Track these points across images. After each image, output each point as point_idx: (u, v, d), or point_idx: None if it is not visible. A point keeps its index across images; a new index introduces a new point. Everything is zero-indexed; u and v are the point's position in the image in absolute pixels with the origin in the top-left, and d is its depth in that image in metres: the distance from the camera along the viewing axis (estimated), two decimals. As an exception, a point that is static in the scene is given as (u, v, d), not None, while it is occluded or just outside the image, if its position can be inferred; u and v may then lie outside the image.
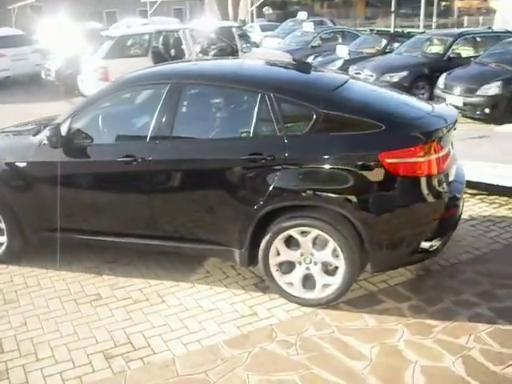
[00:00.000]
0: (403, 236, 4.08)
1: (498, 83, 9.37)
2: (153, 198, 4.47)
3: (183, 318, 4.19)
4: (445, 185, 4.12)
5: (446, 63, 11.29)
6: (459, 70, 10.38)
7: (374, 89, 4.90)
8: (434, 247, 4.16)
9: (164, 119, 4.42)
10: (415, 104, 4.57)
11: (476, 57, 11.06)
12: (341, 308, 4.25)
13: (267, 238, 4.20)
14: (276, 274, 4.31)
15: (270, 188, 4.10)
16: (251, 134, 4.24)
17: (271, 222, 4.23)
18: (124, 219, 4.67)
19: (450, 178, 4.23)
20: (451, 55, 11.57)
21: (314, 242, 4.17)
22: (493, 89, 9.36)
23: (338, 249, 4.08)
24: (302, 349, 3.79)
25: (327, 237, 4.08)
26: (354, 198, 3.99)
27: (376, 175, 3.97)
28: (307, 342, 3.86)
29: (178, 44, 12.38)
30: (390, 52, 13.43)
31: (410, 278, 4.64)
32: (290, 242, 4.25)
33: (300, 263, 4.24)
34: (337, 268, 4.18)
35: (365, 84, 5.07)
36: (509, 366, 3.56)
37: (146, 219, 4.53)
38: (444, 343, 3.81)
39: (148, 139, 4.44)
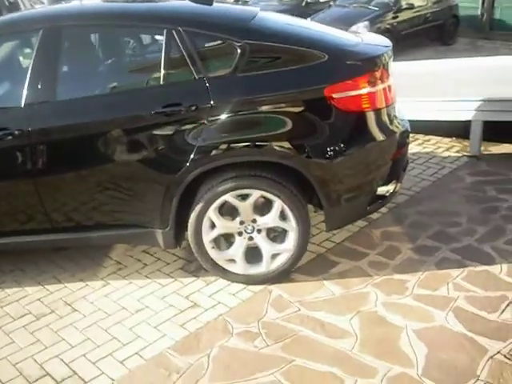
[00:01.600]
0: (361, 183, 3.46)
1: (366, 23, 9.19)
2: (40, 181, 3.37)
3: (107, 328, 3.22)
4: (395, 119, 3.57)
5: (304, 9, 10.94)
6: (323, 13, 10.07)
7: (292, 19, 4.17)
8: (391, 191, 3.62)
9: (41, 76, 3.31)
10: (344, 34, 3.92)
11: (334, 0, 10.84)
12: (295, 279, 3.57)
13: (197, 209, 3.36)
14: (213, 252, 3.50)
15: (195, 146, 3.24)
16: (162, 81, 3.31)
17: (201, 189, 3.39)
18: (4, 213, 3.52)
19: (396, 112, 3.68)
20: (309, 0, 11.23)
21: (256, 205, 3.41)
22: (361, 28, 9.14)
23: (287, 209, 3.36)
24: (271, 338, 3.06)
25: (272, 197, 3.34)
26: (300, 146, 3.27)
27: (323, 115, 3.28)
28: (274, 329, 3.13)
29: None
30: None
31: (355, 232, 4.08)
32: (226, 210, 3.45)
33: (240, 234, 3.46)
34: (286, 232, 3.47)
35: (277, 14, 4.32)
36: (503, 311, 3.15)
37: (35, 209, 3.43)
38: (425, 298, 3.30)
39: (23, 105, 3.32)
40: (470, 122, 5.31)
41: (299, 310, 3.28)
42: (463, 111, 5.26)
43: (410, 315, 3.16)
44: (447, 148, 5.65)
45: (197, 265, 3.72)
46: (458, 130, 5.71)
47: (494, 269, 3.56)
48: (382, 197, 3.59)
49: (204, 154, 3.26)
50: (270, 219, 3.40)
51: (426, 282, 3.46)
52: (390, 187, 3.60)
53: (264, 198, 3.39)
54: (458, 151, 5.56)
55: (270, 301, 3.38)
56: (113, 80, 3.53)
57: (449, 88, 5.70)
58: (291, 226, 3.41)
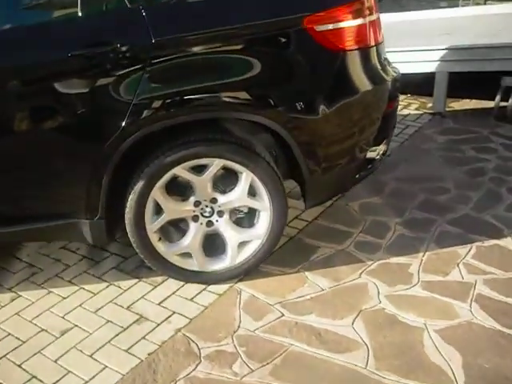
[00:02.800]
0: (350, 144, 2.70)
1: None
2: None
3: (22, 362, 2.28)
4: (386, 63, 2.82)
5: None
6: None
7: None
8: (381, 153, 2.89)
9: None
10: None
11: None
12: (268, 273, 2.77)
13: (137, 189, 2.45)
14: (160, 246, 2.62)
15: (131, 104, 2.32)
16: (80, 12, 2.34)
17: (140, 161, 2.48)
18: None
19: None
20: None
21: (216, 179, 2.57)
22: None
23: (258, 182, 2.54)
24: (255, 359, 2.25)
25: (238, 167, 2.50)
26: (274, 96, 2.44)
27: (302, 55, 2.46)
28: (255, 345, 2.32)
29: None
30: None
31: (328, 206, 3.33)
32: (176, 189, 2.58)
33: (196, 219, 2.61)
34: (256, 213, 2.66)
35: None
36: (536, 296, 2.53)
37: None
38: (438, 287, 2.62)
39: None
40: (426, 76, 4.72)
41: (282, 315, 2.49)
42: (425, 62, 4.63)
43: (426, 311, 2.46)
44: (405, 106, 5.02)
45: (137, 261, 2.83)
46: (413, 86, 5.09)
47: (506, 242, 2.94)
48: (372, 161, 2.85)
49: (143, 114, 2.34)
50: (236, 197, 2.57)
51: (432, 265, 2.78)
52: (381, 148, 2.87)
53: (226, 169, 2.55)
54: (417, 108, 4.94)
55: (241, 305, 2.56)
56: (6, 11, 2.49)
57: (406, 39, 5.06)
58: (263, 204, 2.60)
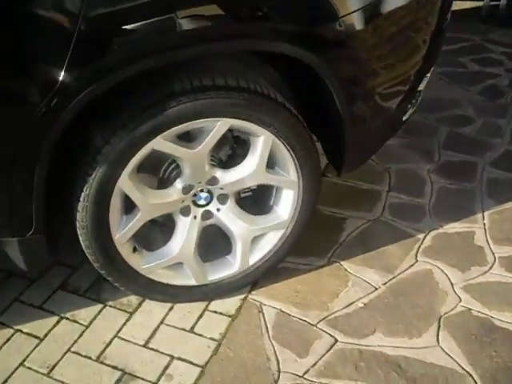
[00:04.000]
0: (404, 73, 1.82)
1: None
2: None
3: None
4: None
5: None
6: None
7: None
8: (410, 112, 2.06)
9: None
10: None
11: None
12: (290, 270, 1.93)
13: (94, 182, 1.46)
14: (136, 260, 1.68)
15: (77, 25, 1.28)
16: None
17: (94, 136, 1.49)
18: None
19: None
20: None
21: (217, 150, 1.65)
22: None
23: (283, 148, 1.64)
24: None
25: (255, 128, 1.57)
26: (304, 12, 1.50)
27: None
28: (319, 404, 1.54)
29: None
30: None
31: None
32: (148, 170, 1.63)
33: (186, 211, 1.68)
34: (273, 193, 1.78)
35: None
36: None
37: None
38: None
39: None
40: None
41: (335, 340, 1.69)
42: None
43: (531, 310, 1.78)
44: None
45: (95, 272, 1.88)
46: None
47: None
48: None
49: (101, 47, 1.33)
50: (248, 173, 1.66)
51: (501, 231, 2.07)
52: (421, 87, 2.03)
53: (232, 133, 1.63)
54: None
55: (270, 332, 1.72)
56: None
57: None
58: (288, 179, 1.72)
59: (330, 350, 1.67)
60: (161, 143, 1.50)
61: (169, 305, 1.82)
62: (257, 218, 1.78)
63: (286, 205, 1.77)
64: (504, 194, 2.26)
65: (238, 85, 1.52)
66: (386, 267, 1.94)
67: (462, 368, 1.61)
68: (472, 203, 2.22)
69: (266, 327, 1.74)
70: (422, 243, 2.04)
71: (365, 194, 2.26)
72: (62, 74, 1.29)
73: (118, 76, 1.34)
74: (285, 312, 1.79)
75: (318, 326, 1.75)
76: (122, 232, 1.60)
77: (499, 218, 2.13)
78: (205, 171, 1.62)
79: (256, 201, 1.81)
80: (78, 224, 1.56)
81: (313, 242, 2.00)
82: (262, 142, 1.60)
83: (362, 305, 1.81)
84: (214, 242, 1.82)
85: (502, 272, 1.91)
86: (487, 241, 2.03)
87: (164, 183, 1.66)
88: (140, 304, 1.83)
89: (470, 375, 1.59)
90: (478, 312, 1.77)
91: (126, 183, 1.52)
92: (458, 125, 2.70)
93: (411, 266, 1.95)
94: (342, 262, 1.96)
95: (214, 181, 1.66)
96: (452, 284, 1.87)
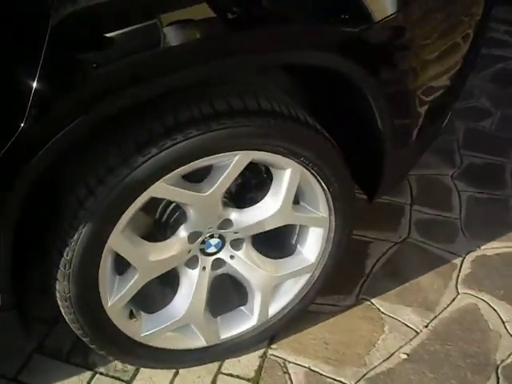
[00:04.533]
0: (443, 100, 1.51)
1: None
2: None
3: None
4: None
5: None
6: None
7: None
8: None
9: None
10: None
11: None
12: (313, 313, 1.62)
13: (79, 244, 1.11)
14: (133, 327, 1.34)
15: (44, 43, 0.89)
16: None
17: (75, 183, 1.12)
18: None
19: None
20: None
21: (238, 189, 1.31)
22: None
23: (314, 182, 1.31)
24: None
25: (281, 159, 1.23)
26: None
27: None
28: None
29: None
30: None
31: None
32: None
33: (193, 263, 1.35)
34: (297, 231, 1.46)
35: None
36: None
37: None
38: None
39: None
40: None
41: (385, 408, 1.41)
42: None
43: None
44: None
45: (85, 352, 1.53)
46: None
47: None
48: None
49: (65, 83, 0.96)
50: (270, 213, 1.32)
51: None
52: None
53: (254, 167, 1.29)
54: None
55: (301, 399, 1.43)
56: None
57: None
58: (317, 215, 1.39)
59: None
60: (162, 189, 1.15)
61: (172, 370, 1.49)
62: (278, 262, 1.45)
63: (313, 245, 1.45)
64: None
65: (260, 107, 1.17)
66: (425, 304, 1.65)
67: None
68: (507, 215, 1.95)
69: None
70: (460, 270, 1.76)
71: (386, 210, 1.96)
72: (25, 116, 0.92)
73: (100, 112, 0.99)
74: (315, 371, 1.49)
75: (375, 395, 1.45)
76: (116, 298, 1.25)
77: None
78: (217, 216, 1.29)
79: (272, 239, 1.49)
80: (58, 295, 1.21)
81: (335, 275, 1.69)
82: (289, 175, 1.27)
83: (405, 356, 1.52)
84: (224, 291, 1.50)
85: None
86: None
87: (163, 228, 1.32)
88: (138, 369, 1.50)
89: None
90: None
91: (118, 242, 1.17)
92: (475, 119, 2.41)
93: (453, 300, 1.66)
94: (372, 300, 1.67)
95: (226, 224, 1.32)
96: (503, 322, 1.60)
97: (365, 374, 1.48)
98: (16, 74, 0.92)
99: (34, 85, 0.90)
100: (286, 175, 1.27)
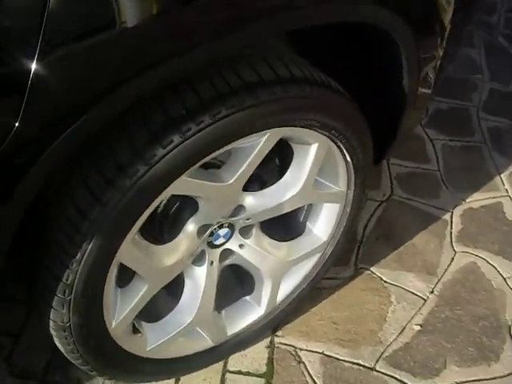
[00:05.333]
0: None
1: None
2: None
3: None
4: None
5: None
6: None
7: None
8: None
9: None
10: None
11: None
12: (325, 290, 1.48)
13: (86, 263, 0.87)
14: (136, 346, 1.12)
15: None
16: None
17: (74, 190, 0.86)
18: None
19: None
20: None
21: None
22: None
23: (339, 157, 1.13)
24: None
25: (310, 134, 1.04)
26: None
27: None
28: None
29: None
30: None
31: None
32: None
33: (199, 258, 1.14)
34: (306, 209, 1.28)
35: None
36: None
37: None
38: None
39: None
40: None
41: (413, 389, 1.32)
42: None
43: None
44: None
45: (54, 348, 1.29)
46: None
47: None
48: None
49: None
50: (294, 192, 1.13)
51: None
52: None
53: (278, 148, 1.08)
54: None
55: (322, 390, 1.30)
56: None
57: None
58: (336, 191, 1.22)
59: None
60: (184, 185, 0.92)
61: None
62: (289, 245, 1.27)
63: (326, 222, 1.28)
64: (511, 146, 1.96)
65: (292, 75, 0.96)
66: (425, 267, 1.57)
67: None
68: (484, 163, 1.89)
69: (316, 384, 1.31)
70: (451, 227, 1.68)
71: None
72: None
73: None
74: (330, 356, 1.37)
75: (378, 368, 1.35)
76: (121, 317, 1.03)
77: None
78: (233, 204, 1.08)
79: (277, 219, 1.30)
80: (53, 325, 0.96)
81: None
82: (316, 151, 1.08)
83: (419, 327, 1.44)
84: (224, 281, 1.30)
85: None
86: None
87: (167, 225, 1.09)
88: None
89: None
90: None
91: (127, 253, 0.94)
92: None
93: (452, 260, 1.59)
94: (372, 269, 1.55)
95: (239, 211, 1.12)
96: (505, 279, 1.56)
97: (382, 353, 1.38)
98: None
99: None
100: (312, 151, 1.08)
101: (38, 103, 0.68)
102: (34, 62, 0.65)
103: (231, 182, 0.99)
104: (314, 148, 1.08)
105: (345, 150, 1.13)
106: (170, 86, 0.84)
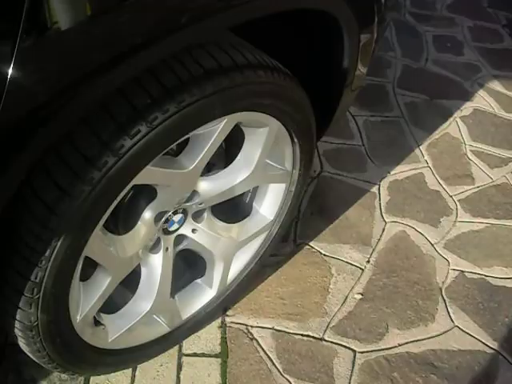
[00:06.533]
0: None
1: None
2: None
3: None
4: None
5: None
6: None
7: None
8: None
9: None
10: None
11: None
12: (268, 267, 1.51)
13: (55, 258, 0.85)
14: (99, 338, 1.10)
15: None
16: None
17: (40, 183, 0.83)
18: None
19: None
20: None
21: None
22: None
23: (286, 136, 1.16)
24: None
25: (263, 117, 1.06)
26: None
27: None
28: None
29: None
30: None
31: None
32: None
33: (155, 245, 1.14)
34: (255, 191, 1.31)
35: None
36: None
37: None
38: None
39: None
40: None
41: (355, 353, 1.40)
42: None
43: None
44: None
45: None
46: None
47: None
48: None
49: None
50: (246, 174, 1.15)
51: (448, 168, 1.92)
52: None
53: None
54: None
55: (279, 366, 1.35)
56: None
57: None
58: (283, 171, 1.25)
59: (353, 366, 1.37)
60: (148, 174, 0.92)
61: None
62: (238, 226, 1.30)
63: (271, 202, 1.32)
64: (427, 120, 2.09)
65: (248, 61, 0.97)
66: (360, 239, 1.66)
67: (489, 347, 1.46)
68: (403, 137, 2.01)
69: (270, 359, 1.36)
70: (380, 199, 1.78)
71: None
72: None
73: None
74: (281, 330, 1.42)
75: (326, 338, 1.42)
76: (86, 311, 1.01)
77: (437, 152, 1.96)
78: (190, 190, 1.08)
79: (224, 202, 1.32)
80: (19, 326, 0.93)
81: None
82: (267, 133, 1.11)
83: (360, 296, 1.52)
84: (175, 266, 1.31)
85: (469, 218, 1.77)
86: (439, 183, 1.86)
87: (124, 214, 1.07)
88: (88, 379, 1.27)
89: (499, 353, 1.45)
90: (471, 273, 1.62)
91: (93, 246, 0.92)
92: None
93: (383, 231, 1.69)
94: (311, 244, 1.62)
95: (193, 196, 1.13)
96: (432, 245, 1.68)
97: (329, 323, 1.45)
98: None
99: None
100: (263, 134, 1.11)
101: (13, 97, 0.65)
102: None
103: (191, 168, 1.00)
104: (265, 130, 1.11)
105: (292, 132, 1.16)
106: (133, 78, 0.83)
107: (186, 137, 0.94)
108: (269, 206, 1.33)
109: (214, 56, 0.92)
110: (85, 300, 1.01)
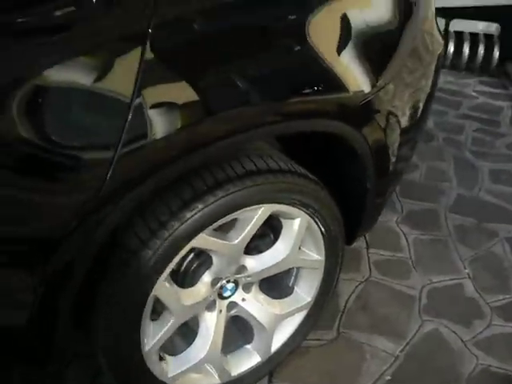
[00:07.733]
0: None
1: None
2: None
3: None
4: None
5: None
6: None
7: None
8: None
9: None
10: None
11: None
12: (312, 347, 1.81)
13: (125, 297, 1.26)
14: (163, 369, 1.46)
15: (131, 102, 1.03)
16: None
17: (127, 237, 1.26)
18: None
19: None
20: None
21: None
22: None
23: (315, 228, 1.53)
24: None
25: (294, 210, 1.44)
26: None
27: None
28: None
29: None
30: None
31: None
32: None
33: (211, 305, 1.50)
34: (293, 273, 1.66)
35: None
36: None
37: None
38: None
39: None
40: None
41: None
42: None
43: None
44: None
45: None
46: None
47: None
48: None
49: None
50: (281, 258, 1.51)
51: (487, 280, 2.14)
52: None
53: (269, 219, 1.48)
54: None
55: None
56: None
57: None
58: (316, 258, 1.61)
59: None
60: (203, 240, 1.32)
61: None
62: (280, 302, 1.64)
63: (308, 285, 1.66)
64: (473, 239, 2.34)
65: (280, 167, 1.39)
66: (397, 332, 1.90)
67: None
68: (449, 252, 2.26)
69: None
70: (419, 301, 2.03)
71: (347, 254, 2.19)
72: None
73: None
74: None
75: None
76: (153, 343, 1.38)
77: (479, 266, 2.20)
78: (237, 262, 1.46)
79: (272, 282, 1.67)
80: (101, 340, 1.31)
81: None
82: (299, 224, 1.48)
83: (389, 377, 1.75)
84: (228, 331, 1.65)
85: (502, 322, 1.96)
86: (477, 291, 2.08)
87: (189, 274, 1.46)
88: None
89: None
90: (497, 368, 1.79)
91: (161, 289, 1.32)
92: (406, 171, 2.77)
93: (419, 327, 1.92)
94: (351, 332, 1.89)
95: (241, 269, 1.50)
96: (463, 341, 1.88)
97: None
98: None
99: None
100: (296, 224, 1.48)
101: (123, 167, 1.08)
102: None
103: (236, 242, 1.39)
104: (297, 221, 1.48)
105: (320, 225, 1.53)
106: (194, 170, 1.26)
107: (233, 216, 1.34)
108: (306, 289, 1.66)
109: (253, 161, 1.34)
110: (153, 335, 1.37)
